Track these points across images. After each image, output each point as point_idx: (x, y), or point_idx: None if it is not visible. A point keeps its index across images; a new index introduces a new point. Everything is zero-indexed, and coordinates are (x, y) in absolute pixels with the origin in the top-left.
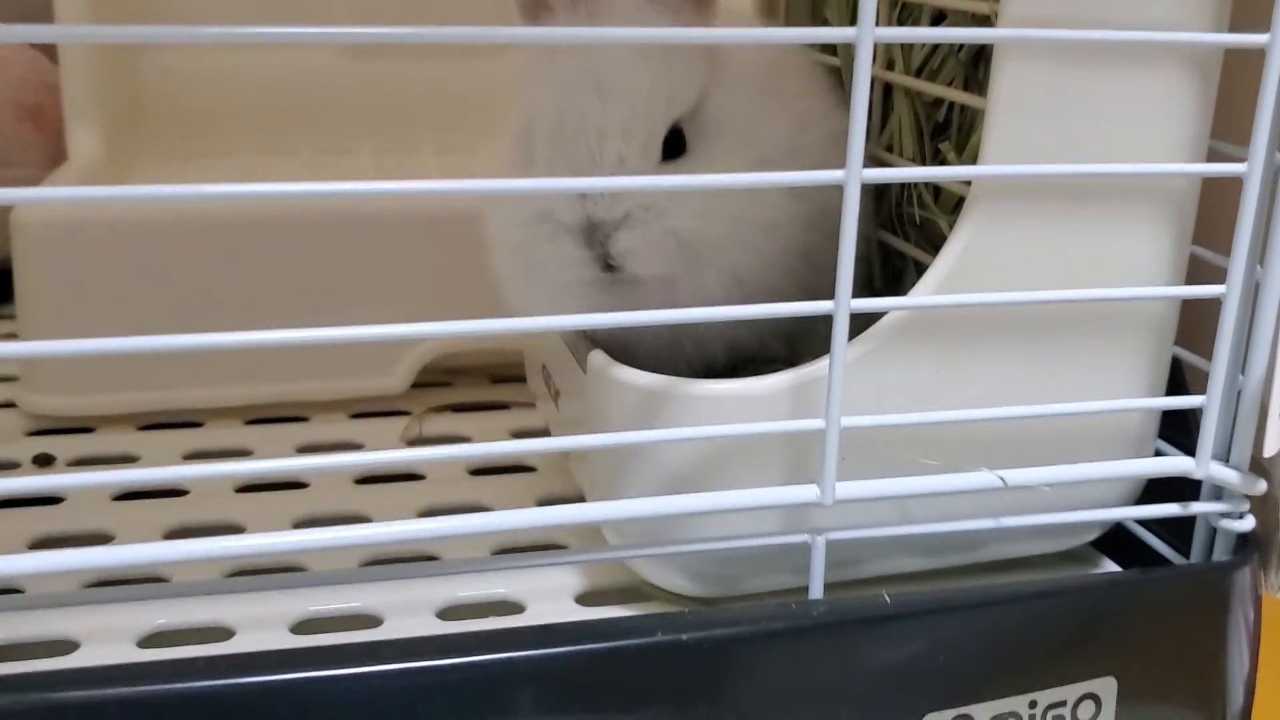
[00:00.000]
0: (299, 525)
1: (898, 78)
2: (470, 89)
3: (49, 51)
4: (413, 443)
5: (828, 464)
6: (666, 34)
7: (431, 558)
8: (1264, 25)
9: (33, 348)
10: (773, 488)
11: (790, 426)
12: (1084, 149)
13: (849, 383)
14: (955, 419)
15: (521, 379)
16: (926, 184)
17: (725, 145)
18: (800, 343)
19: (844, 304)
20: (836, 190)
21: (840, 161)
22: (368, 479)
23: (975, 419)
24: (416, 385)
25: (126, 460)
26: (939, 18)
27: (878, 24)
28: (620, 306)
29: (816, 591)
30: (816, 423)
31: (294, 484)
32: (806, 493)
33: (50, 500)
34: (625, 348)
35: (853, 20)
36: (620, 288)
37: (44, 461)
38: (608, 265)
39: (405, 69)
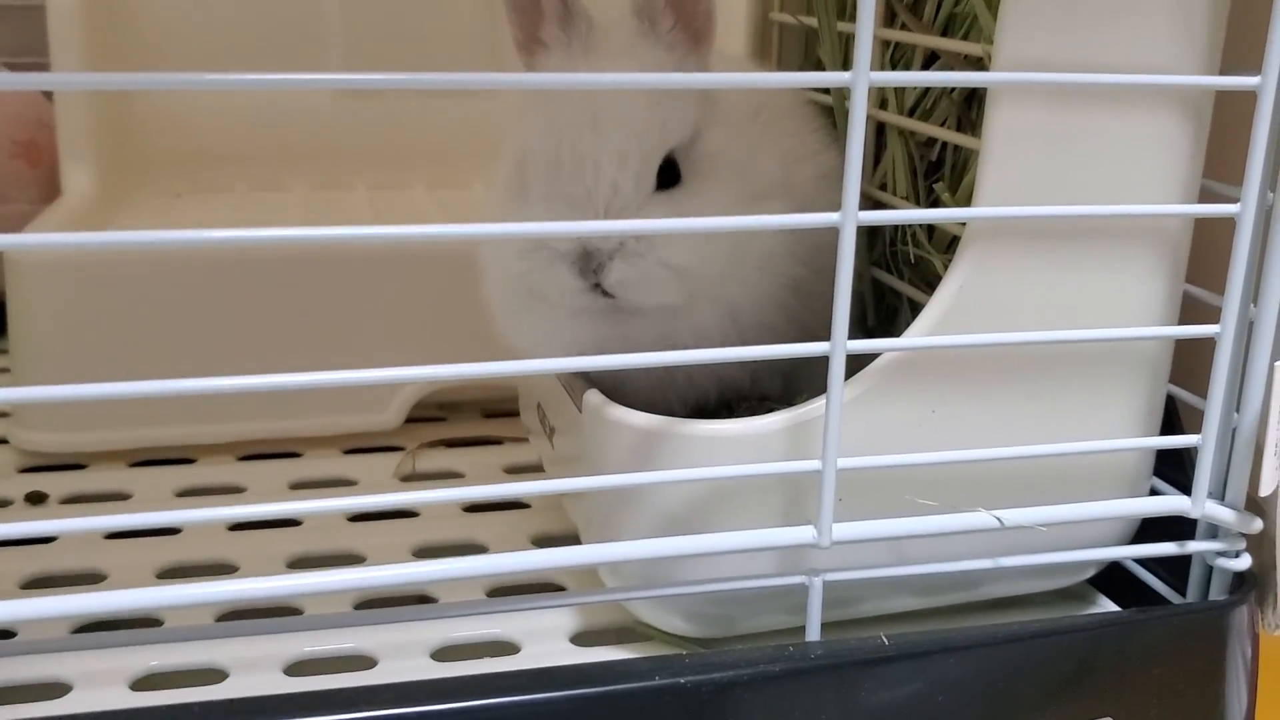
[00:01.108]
0: (293, 564)
1: (891, 117)
2: (463, 125)
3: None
4: (406, 479)
5: (824, 506)
6: (664, 79)
7: (426, 598)
8: (1255, 67)
9: (25, 393)
10: (769, 529)
11: (787, 468)
12: (1078, 189)
13: (844, 423)
14: (951, 460)
15: (515, 413)
16: (924, 226)
17: (719, 178)
18: (794, 379)
19: (840, 345)
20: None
21: (833, 197)
22: (362, 517)
23: (971, 460)
24: (410, 420)
25: (118, 498)
26: (932, 58)
27: (871, 67)
28: (616, 335)
29: (814, 633)
30: (813, 464)
31: (288, 522)
32: (803, 534)
33: (42, 540)
34: (616, 380)
35: (846, 62)
36: (617, 316)
37: (36, 499)
38: (604, 293)
39: (398, 106)
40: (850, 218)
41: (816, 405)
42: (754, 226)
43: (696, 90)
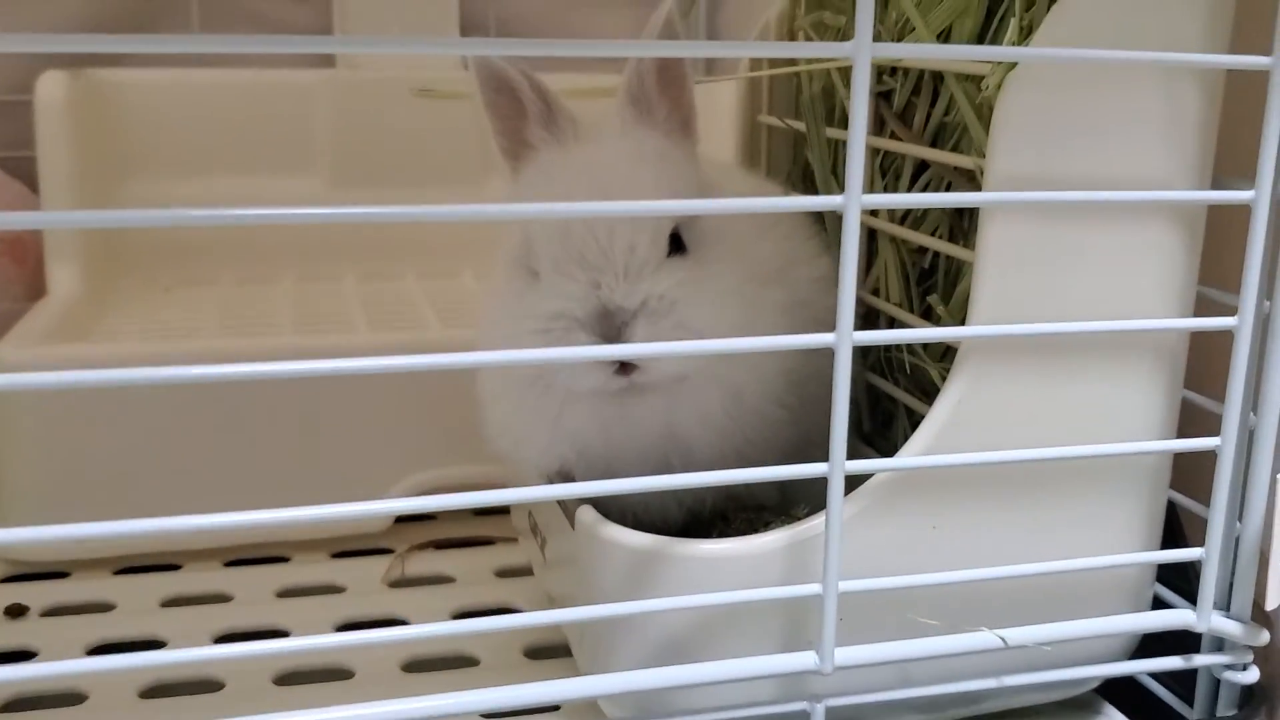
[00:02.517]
0: (280, 680)
1: (883, 225)
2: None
3: (30, 183)
4: (396, 585)
5: (826, 631)
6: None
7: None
8: (1248, 175)
9: (11, 534)
10: (770, 656)
11: (787, 593)
12: (1074, 301)
13: (844, 541)
14: (952, 580)
15: (504, 511)
16: None
17: (724, 250)
18: (790, 487)
19: (839, 466)
20: (826, 325)
21: (828, 301)
22: (350, 626)
23: (972, 579)
24: (399, 520)
25: (102, 609)
26: (922, 164)
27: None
28: (619, 418)
29: None
30: (813, 588)
31: (275, 632)
32: (805, 660)
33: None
34: (610, 473)
35: (835, 167)
36: (623, 395)
37: (16, 613)
38: (621, 368)
39: (387, 195)
40: (845, 339)
41: (816, 523)
42: (753, 349)
43: (694, 172)
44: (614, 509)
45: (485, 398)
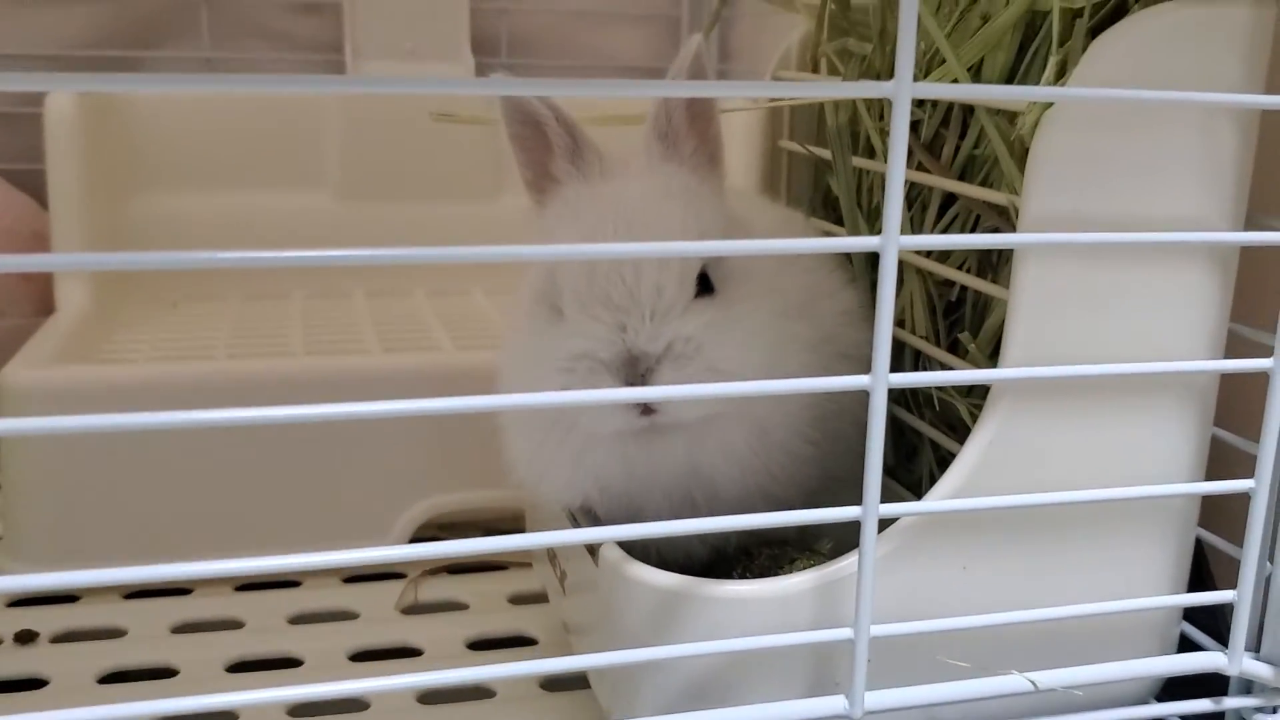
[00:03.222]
0: (294, 710)
1: (909, 256)
2: (464, 231)
3: (39, 198)
4: (408, 611)
5: (857, 676)
6: (687, 248)
7: None
8: None
9: (14, 582)
10: (799, 701)
11: (817, 638)
12: (1106, 341)
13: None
14: (984, 624)
15: (518, 533)
16: (943, 366)
17: (752, 289)
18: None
19: (872, 509)
20: (852, 359)
21: (853, 335)
22: (363, 655)
23: (1004, 623)
24: (412, 542)
25: (113, 634)
26: (951, 197)
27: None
28: (643, 456)
29: None
30: (844, 632)
31: (288, 660)
32: (834, 704)
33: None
34: (634, 509)
35: (859, 198)
36: (648, 434)
37: (26, 639)
38: (646, 409)
39: (397, 210)
40: (881, 381)
41: (844, 564)
42: (786, 390)
43: (721, 210)
44: (637, 545)
45: (507, 428)
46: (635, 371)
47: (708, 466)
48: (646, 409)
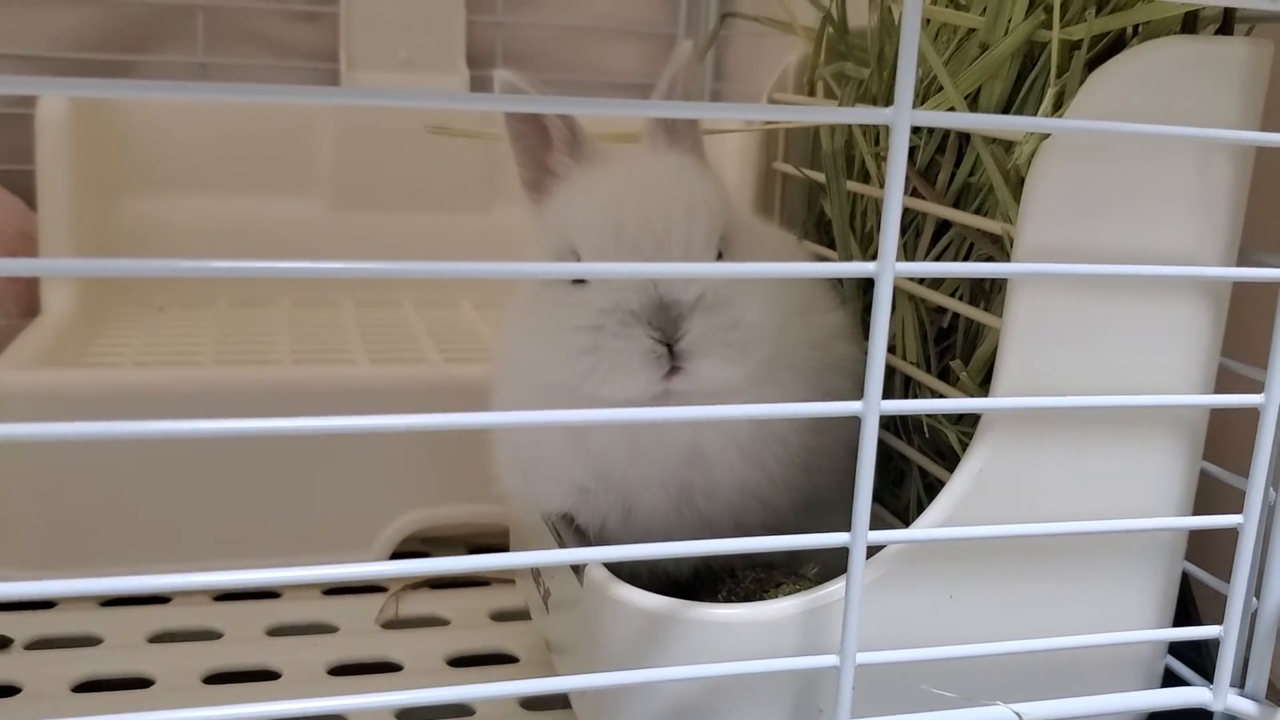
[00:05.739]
0: None
1: (901, 282)
2: (454, 242)
3: (27, 197)
4: (389, 625)
5: (841, 703)
6: (696, 270)
7: None
8: (1276, 250)
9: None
10: None
11: (803, 664)
12: (1098, 373)
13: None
14: (969, 654)
15: (501, 549)
16: (933, 392)
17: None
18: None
19: (861, 535)
20: (841, 372)
21: (846, 350)
22: (342, 669)
23: (990, 654)
24: (394, 556)
25: (88, 642)
26: (945, 224)
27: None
28: (653, 437)
29: None
30: (830, 659)
31: (265, 673)
32: None
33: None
34: (624, 510)
35: (852, 218)
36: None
37: (1, 645)
38: (673, 368)
39: (387, 220)
40: (873, 407)
41: (830, 590)
42: (779, 414)
43: (729, 200)
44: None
45: (503, 407)
46: (668, 318)
47: (709, 445)
48: (673, 369)
